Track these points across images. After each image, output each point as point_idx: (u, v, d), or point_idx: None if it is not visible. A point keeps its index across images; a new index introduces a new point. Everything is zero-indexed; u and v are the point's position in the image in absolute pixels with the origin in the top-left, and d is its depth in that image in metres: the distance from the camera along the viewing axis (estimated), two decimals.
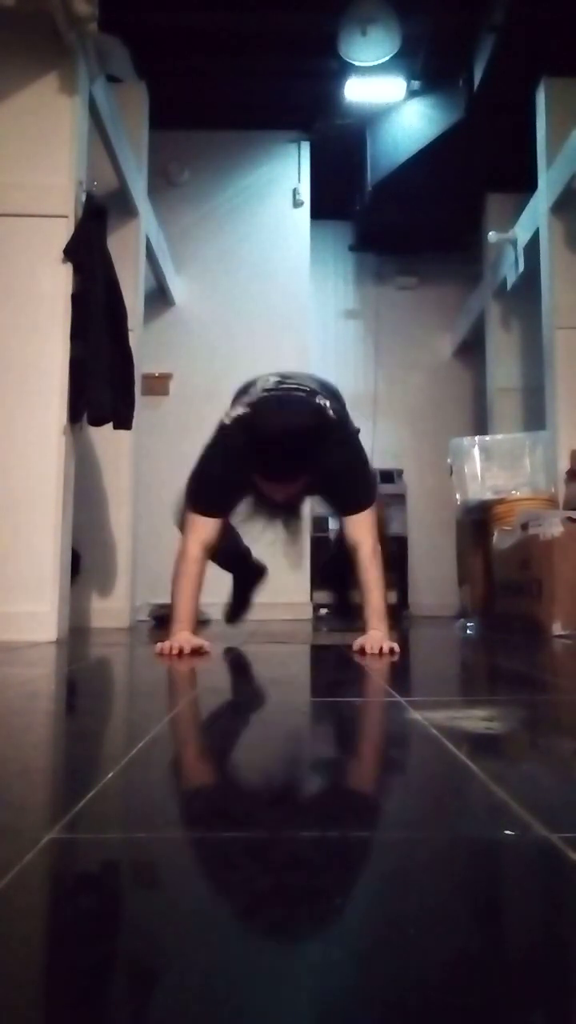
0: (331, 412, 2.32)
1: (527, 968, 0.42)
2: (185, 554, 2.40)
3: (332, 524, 4.25)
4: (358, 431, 2.50)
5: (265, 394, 2.32)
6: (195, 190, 5.51)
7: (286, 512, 2.43)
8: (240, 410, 2.33)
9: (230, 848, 0.61)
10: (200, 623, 4.43)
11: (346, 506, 2.43)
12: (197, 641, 2.29)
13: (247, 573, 2.83)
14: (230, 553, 2.76)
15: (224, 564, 2.82)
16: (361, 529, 2.38)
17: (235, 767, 0.92)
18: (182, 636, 2.31)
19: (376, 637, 2.31)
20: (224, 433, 2.35)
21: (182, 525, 2.48)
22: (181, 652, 2.23)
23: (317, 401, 2.31)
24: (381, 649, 2.25)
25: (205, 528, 2.38)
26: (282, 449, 2.16)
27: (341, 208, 6.09)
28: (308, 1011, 0.37)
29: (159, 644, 2.32)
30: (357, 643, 2.34)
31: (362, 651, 2.28)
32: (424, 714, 1.14)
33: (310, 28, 4.59)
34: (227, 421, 2.36)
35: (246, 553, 2.87)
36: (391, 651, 2.25)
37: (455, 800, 0.75)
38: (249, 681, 1.89)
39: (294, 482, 2.24)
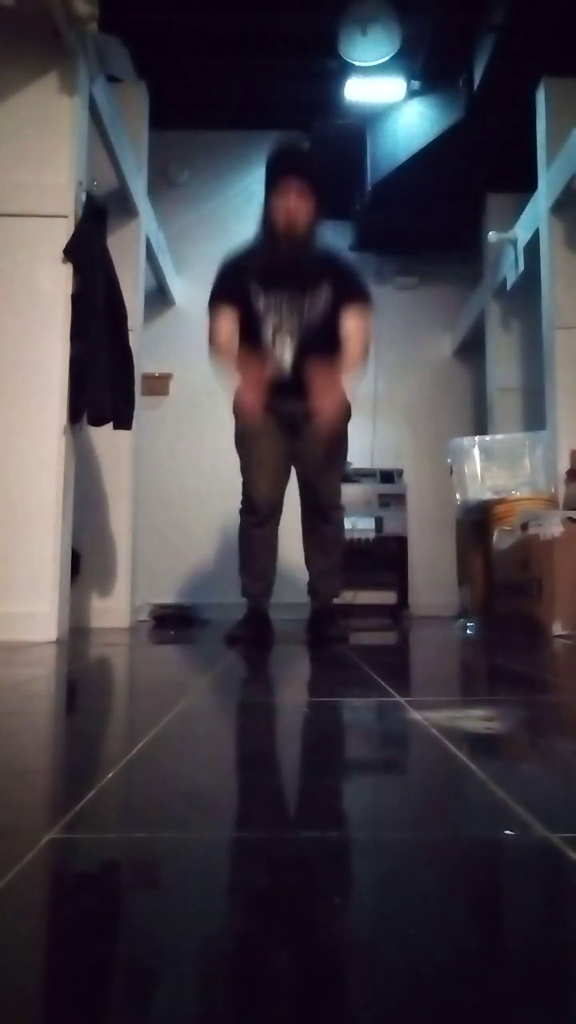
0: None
1: (527, 968, 0.42)
2: (216, 337, 2.69)
3: None
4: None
5: None
6: (195, 190, 5.52)
7: (295, 288, 2.69)
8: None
9: (230, 848, 0.61)
10: (201, 622, 4.44)
11: (352, 290, 2.73)
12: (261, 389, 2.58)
13: (259, 610, 2.88)
14: (260, 577, 2.85)
15: (247, 585, 2.87)
16: (358, 325, 2.69)
17: (235, 767, 0.92)
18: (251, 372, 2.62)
19: (334, 391, 2.54)
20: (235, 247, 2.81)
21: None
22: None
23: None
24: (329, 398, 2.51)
25: (220, 317, 2.70)
26: (292, 147, 2.73)
27: (341, 208, 6.09)
28: (308, 1011, 0.37)
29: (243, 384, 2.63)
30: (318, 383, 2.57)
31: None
32: (424, 714, 1.14)
33: (310, 28, 4.59)
34: None
35: (270, 586, 2.93)
36: (333, 404, 2.52)
37: (455, 800, 0.76)
38: (249, 681, 1.89)
39: (307, 193, 2.61)
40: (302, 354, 2.72)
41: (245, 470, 2.80)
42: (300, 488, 2.89)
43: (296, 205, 2.63)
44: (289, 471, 2.88)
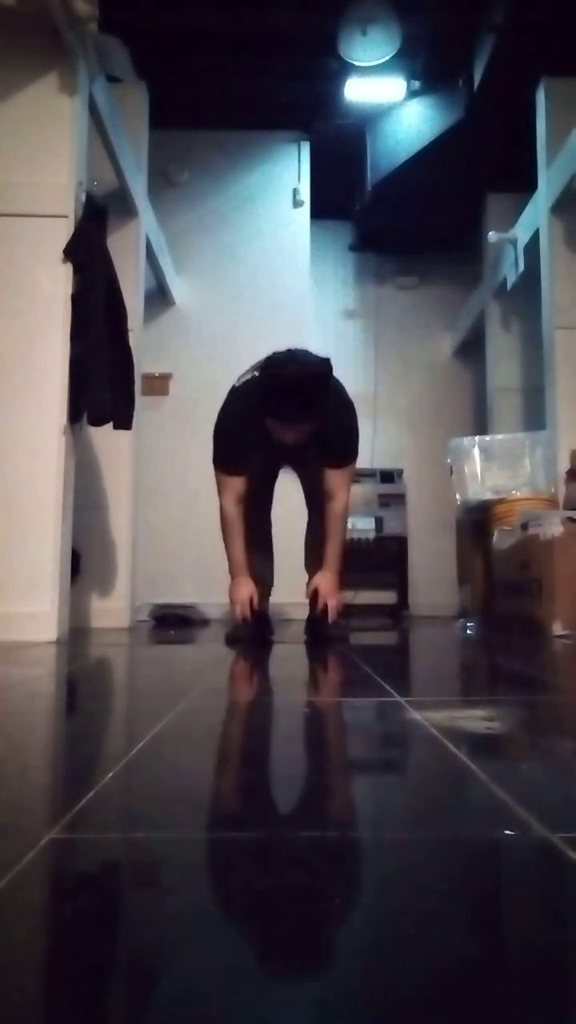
0: (332, 375, 2.60)
1: (527, 968, 0.42)
2: (224, 512, 2.75)
3: None
4: (353, 406, 2.84)
5: (275, 354, 2.57)
6: (195, 190, 5.51)
7: (296, 460, 2.83)
8: (249, 375, 2.66)
9: (230, 848, 0.61)
10: (201, 622, 4.44)
11: (336, 456, 2.77)
12: (254, 597, 2.75)
13: (257, 620, 2.89)
14: (256, 579, 2.89)
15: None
16: (340, 481, 2.77)
17: (235, 767, 0.92)
18: (243, 584, 2.74)
19: (328, 582, 2.75)
20: (235, 395, 2.70)
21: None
22: (252, 611, 2.73)
23: (323, 358, 2.57)
24: (326, 606, 2.72)
25: (233, 485, 2.72)
26: (294, 390, 2.45)
27: (341, 208, 6.09)
28: (308, 1011, 0.37)
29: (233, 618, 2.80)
30: (312, 585, 2.79)
31: (314, 598, 2.77)
32: (424, 714, 1.14)
33: (310, 28, 4.59)
34: (237, 384, 2.71)
35: (268, 584, 3.03)
36: (335, 608, 2.74)
37: (455, 800, 0.76)
38: (249, 680, 1.89)
39: (304, 422, 2.53)
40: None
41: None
42: (307, 497, 2.98)
43: (293, 439, 2.59)
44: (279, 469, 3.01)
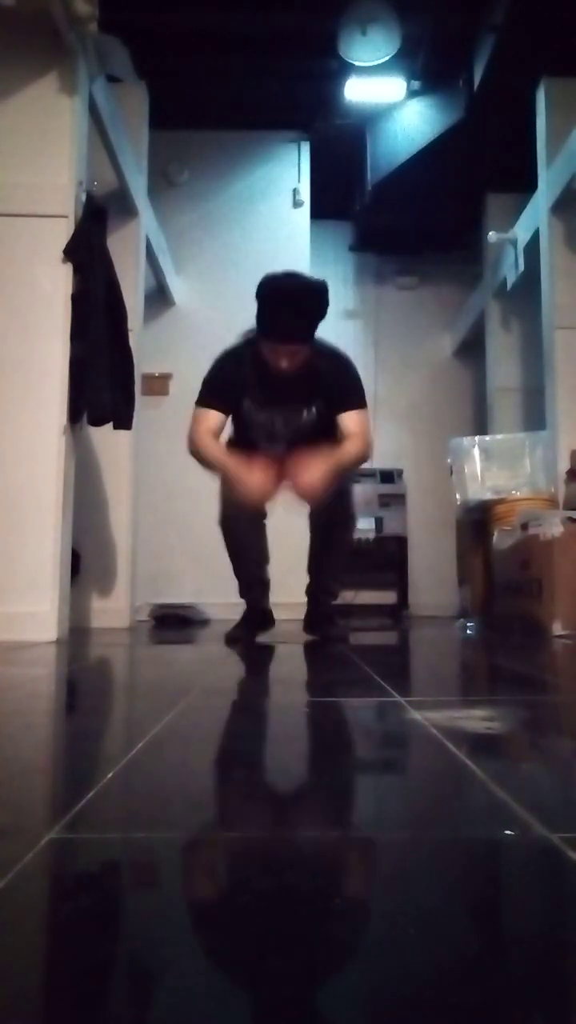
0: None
1: (527, 968, 0.42)
2: (197, 437, 2.56)
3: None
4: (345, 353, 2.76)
5: (270, 272, 2.53)
6: (195, 190, 5.51)
7: (288, 406, 2.63)
8: (245, 333, 2.66)
9: (230, 848, 0.61)
10: (201, 622, 4.44)
11: (345, 402, 2.60)
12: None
13: (258, 609, 2.87)
14: (252, 578, 2.83)
15: (243, 590, 2.86)
16: (356, 423, 2.57)
17: (235, 767, 0.92)
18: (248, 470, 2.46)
19: (316, 471, 2.40)
20: (228, 347, 2.67)
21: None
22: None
23: (319, 278, 2.55)
24: (310, 484, 2.39)
25: (207, 418, 2.57)
26: (288, 300, 2.42)
27: (341, 208, 6.09)
28: (308, 1011, 0.37)
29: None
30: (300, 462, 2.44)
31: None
32: (424, 714, 1.14)
33: (310, 28, 4.59)
34: (233, 340, 2.69)
35: (266, 586, 2.90)
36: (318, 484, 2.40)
37: (455, 800, 0.75)
38: (249, 680, 1.89)
39: (299, 337, 2.46)
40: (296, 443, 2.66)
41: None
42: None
43: (288, 360, 2.50)
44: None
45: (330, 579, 2.90)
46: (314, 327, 2.50)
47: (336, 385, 2.62)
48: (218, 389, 2.62)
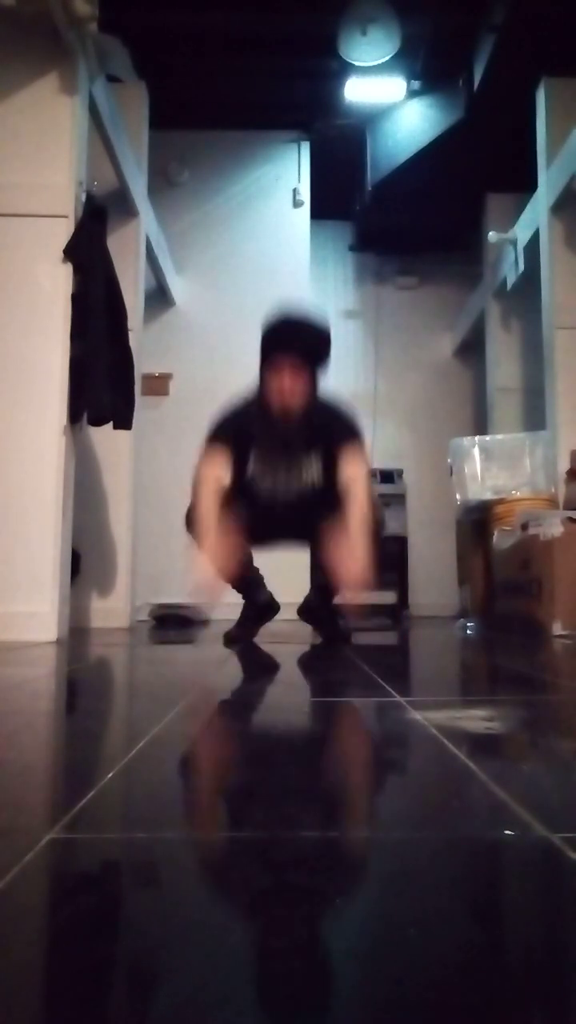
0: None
1: (527, 968, 0.42)
2: (200, 473, 2.61)
3: None
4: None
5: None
6: (195, 190, 5.51)
7: (291, 448, 2.66)
8: (247, 390, 2.71)
9: (230, 848, 0.61)
10: (201, 622, 4.44)
11: (343, 439, 2.64)
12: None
13: (257, 601, 2.85)
14: (245, 576, 2.80)
15: (237, 586, 2.82)
16: (356, 464, 2.60)
17: (235, 767, 0.92)
18: (209, 554, 2.48)
19: (357, 561, 2.36)
20: (234, 398, 2.73)
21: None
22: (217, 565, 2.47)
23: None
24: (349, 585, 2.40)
25: (214, 457, 2.62)
26: (293, 328, 2.59)
27: (341, 208, 6.09)
28: (308, 1011, 0.37)
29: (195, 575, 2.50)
30: (336, 554, 2.42)
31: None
32: (424, 714, 1.14)
33: (310, 28, 4.59)
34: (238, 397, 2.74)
35: (259, 580, 2.87)
36: (356, 586, 2.39)
37: (455, 800, 0.75)
38: (249, 681, 1.89)
39: (303, 362, 2.55)
40: (299, 510, 2.69)
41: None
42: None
43: (290, 386, 2.54)
44: None
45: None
46: (315, 351, 2.57)
47: (335, 426, 2.67)
48: (226, 428, 2.67)
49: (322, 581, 2.80)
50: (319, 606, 2.86)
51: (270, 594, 2.88)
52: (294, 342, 2.58)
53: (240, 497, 2.67)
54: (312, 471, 2.69)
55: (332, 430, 2.65)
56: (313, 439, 2.65)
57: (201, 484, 2.58)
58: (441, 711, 1.18)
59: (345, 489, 2.55)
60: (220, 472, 2.59)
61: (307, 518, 2.69)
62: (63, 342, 3.13)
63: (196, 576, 2.47)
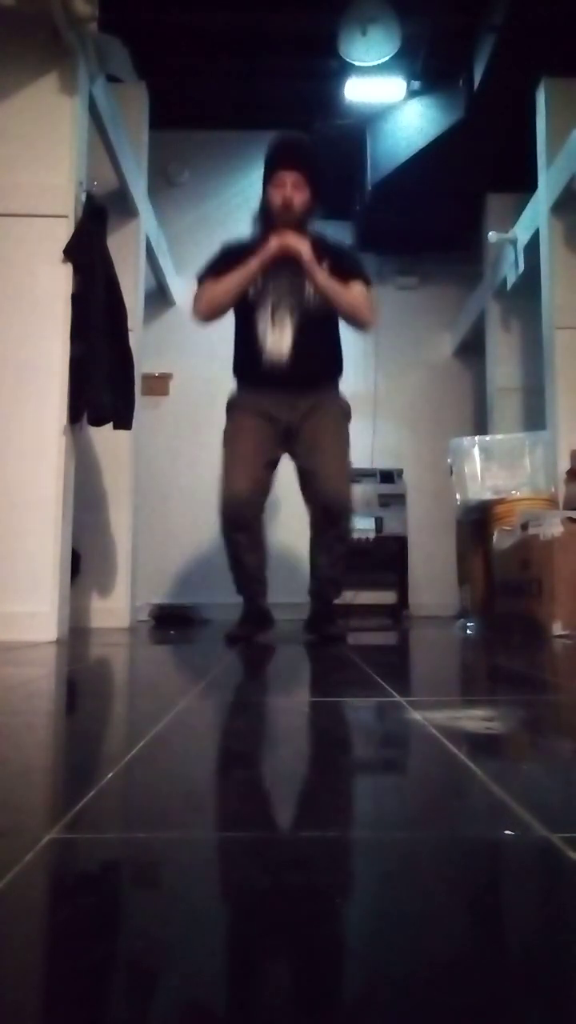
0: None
1: (527, 968, 0.42)
2: (199, 304, 2.81)
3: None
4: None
5: None
6: (195, 190, 5.51)
7: (294, 273, 2.74)
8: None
9: (230, 848, 0.61)
10: (201, 622, 4.44)
11: (352, 268, 2.79)
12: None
13: (256, 607, 2.86)
14: (251, 578, 2.83)
15: (246, 587, 2.85)
16: (363, 294, 2.77)
17: (235, 767, 0.92)
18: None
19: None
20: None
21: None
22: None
23: None
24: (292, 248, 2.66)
25: (208, 290, 2.77)
26: (288, 136, 2.80)
27: (341, 208, 6.09)
28: (309, 1011, 0.37)
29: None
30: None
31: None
32: (424, 714, 1.14)
33: (310, 28, 4.59)
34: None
35: (264, 589, 2.90)
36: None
37: (455, 800, 0.75)
38: (249, 680, 1.89)
39: (299, 164, 2.70)
40: (302, 338, 2.74)
41: (226, 469, 2.77)
42: (308, 494, 2.83)
43: (291, 194, 2.70)
44: (272, 480, 2.85)
45: (332, 584, 2.89)
46: (311, 160, 2.77)
47: (343, 252, 2.85)
48: (220, 259, 2.81)
49: (316, 587, 2.85)
50: (316, 613, 2.89)
51: (268, 609, 2.92)
52: (296, 156, 2.75)
53: (243, 335, 2.81)
54: (315, 299, 2.77)
55: (341, 259, 2.80)
56: (319, 253, 2.75)
57: (202, 304, 2.78)
58: (441, 711, 1.18)
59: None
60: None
61: (308, 360, 2.77)
62: (63, 342, 3.13)
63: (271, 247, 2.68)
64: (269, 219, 2.75)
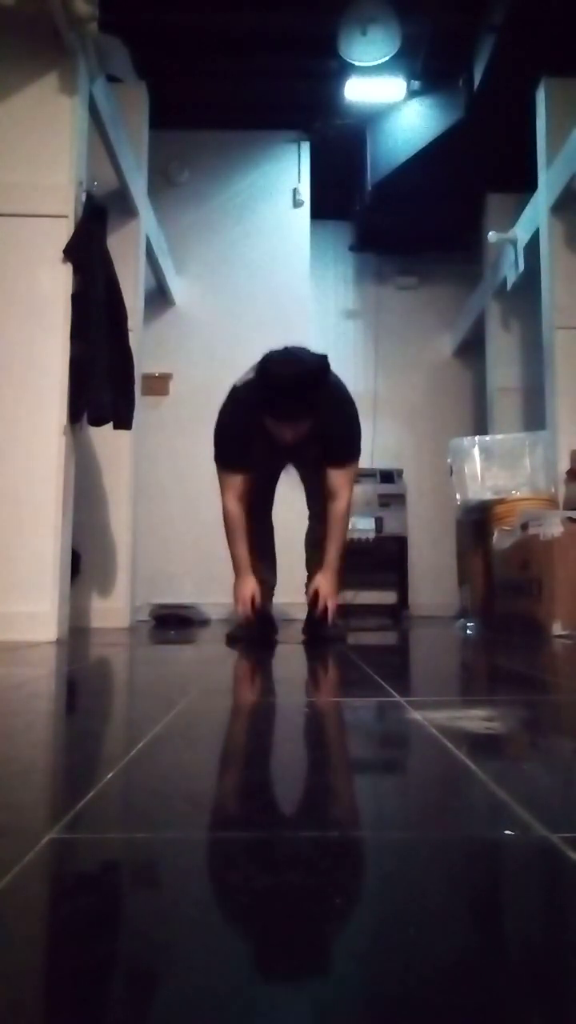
0: (331, 372, 2.62)
1: (527, 968, 0.42)
2: (226, 510, 2.76)
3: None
4: (354, 404, 2.82)
5: (271, 352, 2.55)
6: (195, 190, 5.51)
7: (298, 458, 2.84)
8: (249, 375, 2.65)
9: (230, 848, 0.61)
10: (201, 622, 4.44)
11: (336, 455, 2.75)
12: (257, 595, 2.76)
13: (263, 609, 2.88)
14: (263, 580, 2.89)
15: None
16: (343, 480, 2.75)
17: (235, 767, 0.92)
18: (246, 582, 2.76)
19: (328, 583, 2.77)
20: (235, 394, 2.70)
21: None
22: (254, 609, 2.75)
23: (319, 355, 2.58)
24: (325, 608, 2.74)
25: (234, 483, 2.73)
26: (290, 388, 2.46)
27: (341, 208, 6.09)
28: (308, 1011, 0.37)
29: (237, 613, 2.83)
30: (312, 586, 2.81)
31: (314, 599, 2.77)
32: (424, 714, 1.14)
33: (310, 28, 4.59)
34: (238, 384, 2.71)
35: (271, 593, 3.04)
36: (333, 610, 2.77)
37: (455, 800, 0.75)
38: (249, 680, 1.89)
39: (301, 420, 2.53)
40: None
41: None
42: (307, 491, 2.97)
43: (292, 434, 2.58)
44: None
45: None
46: (316, 403, 2.53)
47: (335, 443, 2.74)
48: (234, 451, 2.74)
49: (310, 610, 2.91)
50: (313, 622, 2.91)
51: (272, 615, 3.01)
52: (294, 410, 2.51)
53: (254, 510, 2.83)
54: (313, 456, 2.81)
55: (331, 441, 2.72)
56: (313, 439, 2.70)
57: (229, 521, 2.75)
58: (441, 711, 1.18)
59: (328, 496, 2.75)
60: (242, 499, 2.74)
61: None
62: (63, 342, 3.13)
63: (240, 598, 2.77)
64: (268, 403, 2.55)
